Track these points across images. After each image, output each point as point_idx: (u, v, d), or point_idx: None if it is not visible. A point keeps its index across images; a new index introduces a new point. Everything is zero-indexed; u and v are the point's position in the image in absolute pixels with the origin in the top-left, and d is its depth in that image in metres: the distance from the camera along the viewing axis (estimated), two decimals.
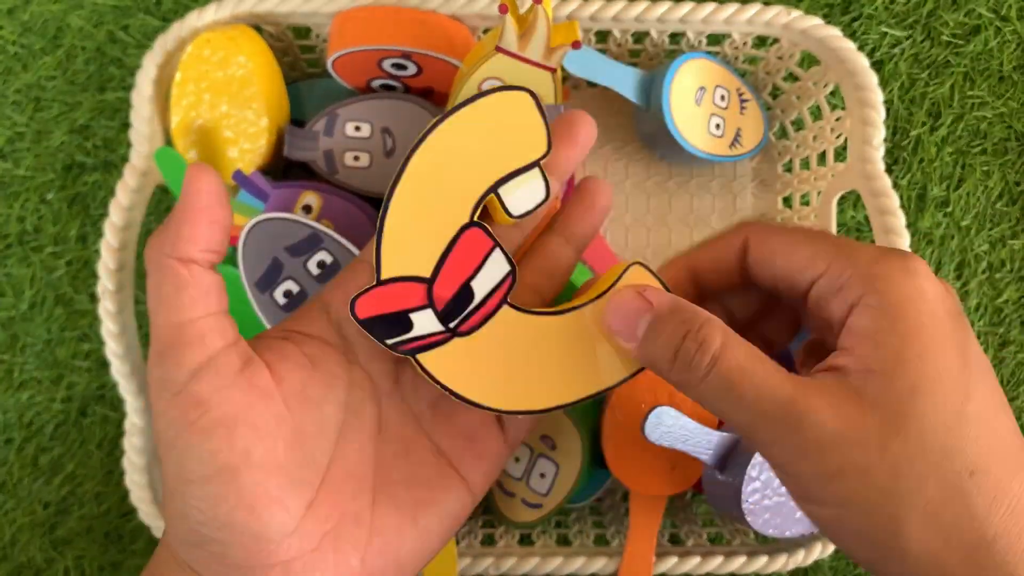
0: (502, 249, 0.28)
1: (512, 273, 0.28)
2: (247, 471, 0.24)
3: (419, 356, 0.27)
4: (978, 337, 0.51)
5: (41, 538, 0.49)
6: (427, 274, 0.27)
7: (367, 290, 0.27)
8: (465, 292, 0.27)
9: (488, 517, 0.45)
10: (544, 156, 0.28)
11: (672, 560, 0.41)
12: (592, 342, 0.28)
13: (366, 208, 0.41)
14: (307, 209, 0.41)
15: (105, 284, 0.39)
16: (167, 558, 0.26)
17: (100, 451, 0.49)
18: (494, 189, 0.28)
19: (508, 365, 0.28)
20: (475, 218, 0.28)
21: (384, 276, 0.27)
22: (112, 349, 0.39)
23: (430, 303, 0.27)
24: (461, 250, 0.27)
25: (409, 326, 0.27)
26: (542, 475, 0.42)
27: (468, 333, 0.28)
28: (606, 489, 0.47)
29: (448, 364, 0.27)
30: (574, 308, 0.28)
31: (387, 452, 0.28)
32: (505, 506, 0.43)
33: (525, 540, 0.44)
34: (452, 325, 0.27)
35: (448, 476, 0.28)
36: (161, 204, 0.49)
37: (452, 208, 0.27)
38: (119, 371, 0.39)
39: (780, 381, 0.23)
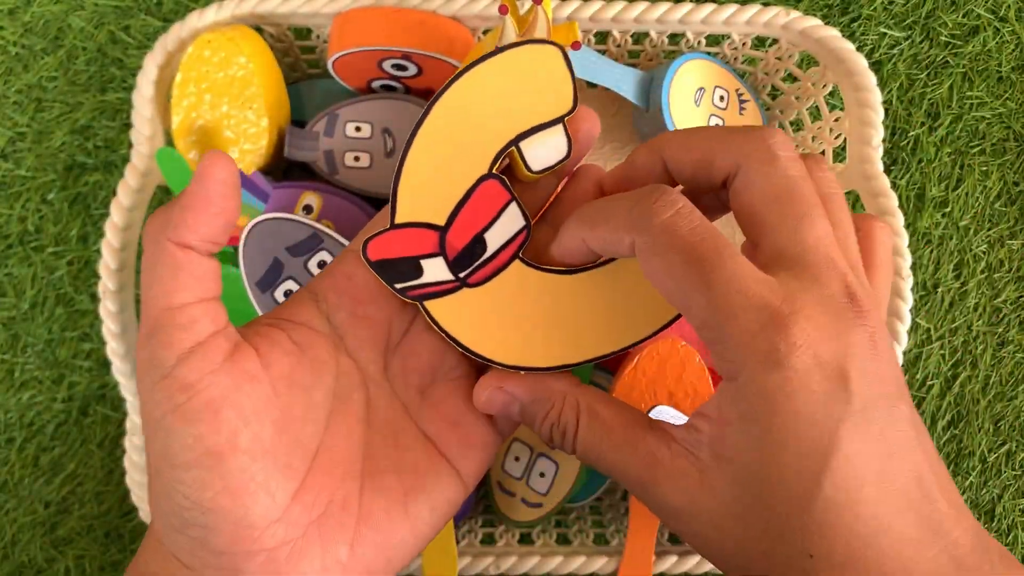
0: (518, 203, 0.28)
1: (527, 228, 0.28)
2: (232, 456, 0.24)
3: (427, 304, 0.27)
4: (977, 337, 0.51)
5: (42, 538, 0.49)
6: (441, 222, 0.27)
7: (380, 233, 0.27)
8: (478, 243, 0.27)
9: (488, 516, 0.45)
10: (569, 113, 0.28)
11: (672, 559, 0.41)
12: (605, 303, 0.28)
13: (367, 208, 0.41)
14: (308, 209, 0.41)
15: (106, 284, 0.39)
16: (154, 545, 0.26)
17: (101, 451, 0.49)
18: (516, 143, 0.27)
19: (517, 320, 0.28)
20: (495, 171, 0.27)
21: (398, 220, 0.27)
22: (113, 349, 0.39)
23: (442, 251, 0.27)
24: (477, 201, 0.27)
25: (419, 272, 0.27)
26: (542, 474, 0.42)
27: (478, 284, 0.28)
28: (606, 488, 0.47)
29: (456, 314, 0.28)
30: (588, 269, 0.28)
31: (375, 439, 0.28)
32: (505, 505, 0.43)
33: (525, 539, 0.44)
34: (462, 275, 0.28)
35: (437, 463, 0.28)
36: (162, 204, 0.49)
37: (472, 158, 0.27)
38: (120, 371, 0.39)
39: (630, 458, 0.25)
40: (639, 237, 0.24)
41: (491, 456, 0.29)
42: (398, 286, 0.27)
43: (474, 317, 0.28)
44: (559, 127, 0.28)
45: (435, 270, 0.27)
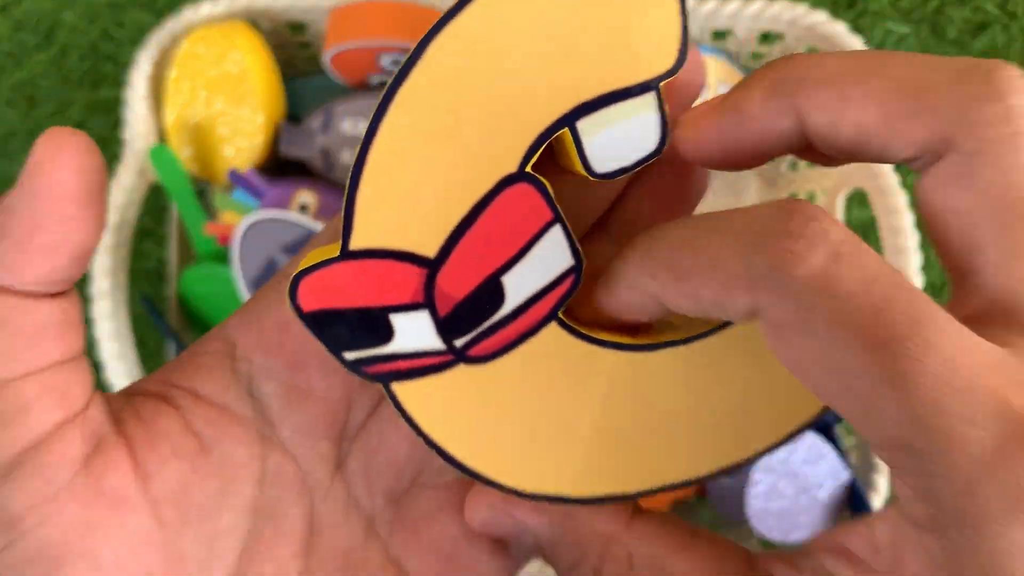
0: (565, 227, 0.17)
1: (576, 270, 0.17)
2: None
3: (397, 387, 0.18)
4: None
5: None
6: (431, 253, 0.17)
7: (321, 265, 0.17)
8: (490, 291, 0.17)
9: None
10: (670, 74, 0.16)
11: None
12: (700, 393, 0.18)
13: None
14: (304, 208, 0.40)
15: (100, 285, 0.38)
16: None
17: None
18: (569, 122, 0.16)
19: (548, 421, 0.18)
20: (528, 168, 0.17)
21: (356, 245, 0.17)
22: (108, 350, 0.39)
23: (428, 301, 0.17)
24: (495, 219, 0.17)
25: (387, 334, 0.17)
26: None
27: (485, 360, 0.18)
28: None
29: (444, 406, 0.18)
30: (683, 341, 0.18)
31: None
32: None
33: None
34: (460, 343, 0.18)
35: None
36: (156, 203, 0.48)
37: (487, 146, 0.16)
38: (115, 372, 0.39)
39: None
40: (769, 300, 0.14)
41: None
42: (350, 356, 0.17)
43: (474, 413, 0.18)
44: (649, 98, 0.16)
45: (415, 332, 0.17)
